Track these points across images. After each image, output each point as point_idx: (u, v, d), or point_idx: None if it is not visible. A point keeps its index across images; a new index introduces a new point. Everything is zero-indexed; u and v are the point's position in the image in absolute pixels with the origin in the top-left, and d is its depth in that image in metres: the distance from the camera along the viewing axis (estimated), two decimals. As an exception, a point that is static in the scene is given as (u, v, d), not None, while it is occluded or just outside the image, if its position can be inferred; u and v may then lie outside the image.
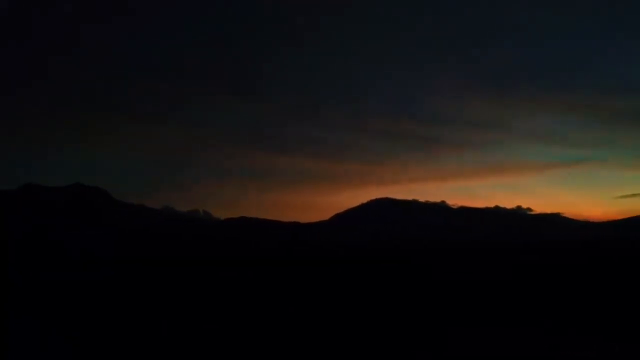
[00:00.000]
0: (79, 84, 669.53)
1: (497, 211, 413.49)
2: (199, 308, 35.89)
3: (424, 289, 43.74)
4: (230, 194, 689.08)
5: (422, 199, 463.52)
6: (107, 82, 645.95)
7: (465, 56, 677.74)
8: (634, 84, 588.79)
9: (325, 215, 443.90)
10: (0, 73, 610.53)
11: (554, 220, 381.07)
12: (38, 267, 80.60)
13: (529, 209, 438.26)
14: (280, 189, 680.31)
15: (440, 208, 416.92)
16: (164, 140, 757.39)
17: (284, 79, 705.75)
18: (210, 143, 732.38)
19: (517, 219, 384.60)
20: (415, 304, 35.26)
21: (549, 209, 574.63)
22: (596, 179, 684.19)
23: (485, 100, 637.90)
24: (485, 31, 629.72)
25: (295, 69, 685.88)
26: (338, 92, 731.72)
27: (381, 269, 72.26)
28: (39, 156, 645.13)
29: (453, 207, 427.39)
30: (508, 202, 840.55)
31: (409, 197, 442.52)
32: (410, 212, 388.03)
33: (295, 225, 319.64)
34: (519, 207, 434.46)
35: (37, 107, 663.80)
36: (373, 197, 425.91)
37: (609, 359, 19.46)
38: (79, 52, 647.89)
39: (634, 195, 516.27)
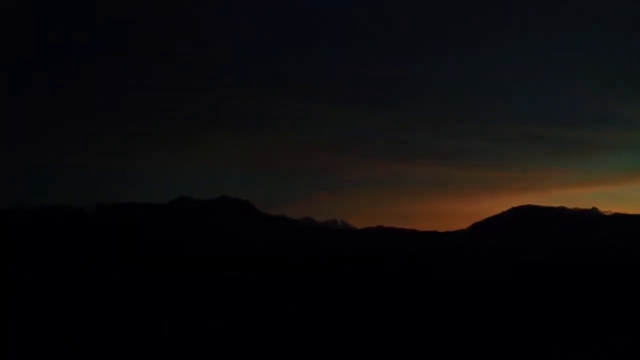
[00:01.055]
0: (224, 102, 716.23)
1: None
2: (333, 314, 35.67)
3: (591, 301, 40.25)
4: (367, 203, 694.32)
5: (569, 205, 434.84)
6: (246, 98, 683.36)
7: (611, 54, 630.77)
8: None
9: (465, 224, 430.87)
10: (152, 91, 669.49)
11: None
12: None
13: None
14: (418, 197, 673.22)
15: (591, 215, 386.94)
16: (302, 151, 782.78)
17: (416, 87, 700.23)
18: (347, 154, 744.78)
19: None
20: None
21: None
22: None
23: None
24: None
25: (426, 77, 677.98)
26: (472, 98, 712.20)
27: (529, 278, 68.21)
28: (190, 171, 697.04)
29: (606, 213, 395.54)
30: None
31: (555, 204, 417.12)
32: (557, 219, 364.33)
33: (433, 235, 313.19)
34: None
35: (188, 127, 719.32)
36: (514, 205, 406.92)
37: None
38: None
39: None
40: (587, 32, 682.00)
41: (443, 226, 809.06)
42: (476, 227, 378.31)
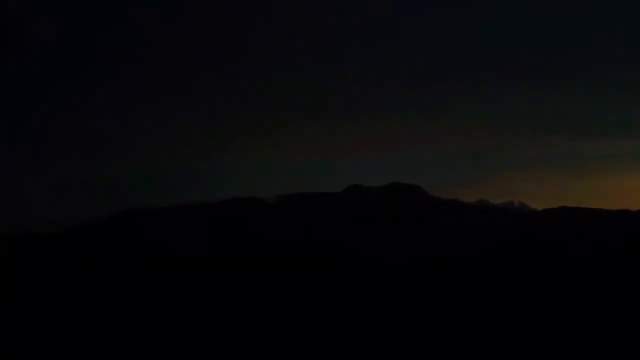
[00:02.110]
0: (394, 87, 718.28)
1: None
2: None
3: None
4: (546, 182, 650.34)
5: None
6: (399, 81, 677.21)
7: None
8: None
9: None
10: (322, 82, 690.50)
11: None
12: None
13: None
14: (605, 174, 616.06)
15: None
16: (476, 131, 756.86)
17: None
18: (522, 132, 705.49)
19: None
20: None
21: None
22: None
23: None
24: None
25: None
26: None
27: None
28: (360, 158, 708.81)
29: None
30: None
31: None
32: None
33: (625, 213, 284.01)
34: None
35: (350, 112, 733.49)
36: None
37: None
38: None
39: None
40: None
41: (637, 204, 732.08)
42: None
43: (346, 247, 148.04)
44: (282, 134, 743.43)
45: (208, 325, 30.01)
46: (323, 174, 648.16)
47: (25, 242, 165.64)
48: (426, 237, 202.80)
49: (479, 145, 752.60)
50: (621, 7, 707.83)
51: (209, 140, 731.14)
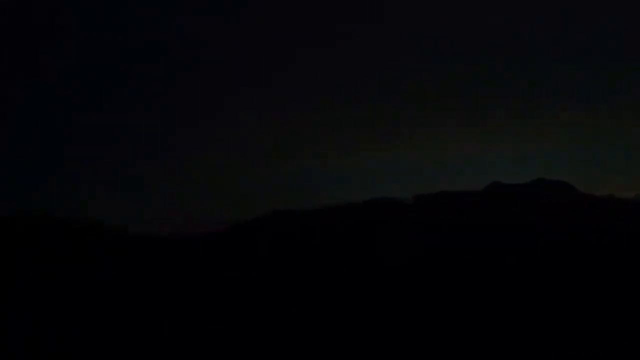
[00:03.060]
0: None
1: None
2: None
3: None
4: None
5: None
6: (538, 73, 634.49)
7: None
8: None
9: None
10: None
11: None
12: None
13: None
14: None
15: None
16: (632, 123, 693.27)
17: None
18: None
19: None
20: None
21: None
22: None
23: None
24: None
25: None
26: None
27: None
28: (501, 156, 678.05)
29: None
30: None
31: None
32: None
33: None
34: None
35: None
36: None
37: None
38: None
39: None
40: None
41: None
42: None
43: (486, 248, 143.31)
44: (417, 132, 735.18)
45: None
46: (463, 172, 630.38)
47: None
48: (574, 237, 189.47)
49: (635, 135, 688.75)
50: None
51: (345, 141, 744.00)
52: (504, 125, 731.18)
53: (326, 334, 27.99)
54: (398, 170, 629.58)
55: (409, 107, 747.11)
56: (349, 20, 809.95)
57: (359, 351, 23.00)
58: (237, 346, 27.93)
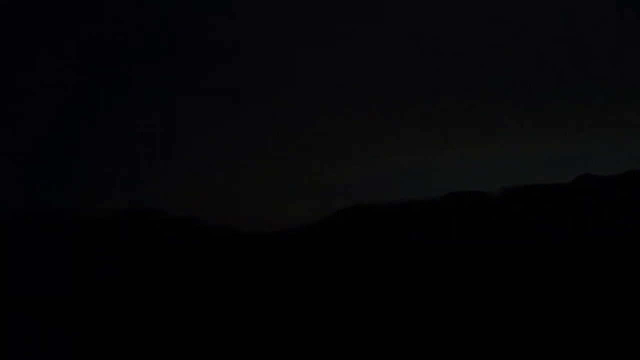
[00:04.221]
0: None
1: None
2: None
3: None
4: None
5: None
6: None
7: None
8: None
9: None
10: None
11: None
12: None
13: None
14: None
15: None
16: None
17: None
18: None
19: None
20: None
21: None
22: None
23: None
24: None
25: None
26: None
27: None
28: (594, 148, 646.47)
29: None
30: None
31: None
32: None
33: None
34: None
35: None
36: None
37: None
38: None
39: None
40: None
41: None
42: None
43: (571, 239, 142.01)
44: (503, 126, 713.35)
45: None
46: (551, 165, 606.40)
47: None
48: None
49: None
50: None
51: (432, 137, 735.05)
52: (593, 117, 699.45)
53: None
54: (485, 165, 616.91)
55: (493, 104, 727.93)
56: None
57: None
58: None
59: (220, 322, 30.11)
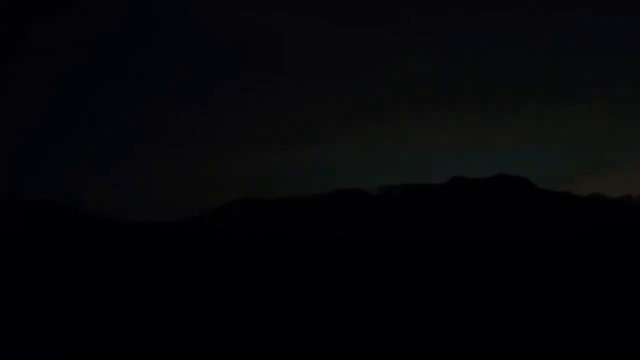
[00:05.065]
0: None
1: None
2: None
3: None
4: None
5: None
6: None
7: None
8: None
9: None
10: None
11: None
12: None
13: None
14: None
15: None
16: (588, 122, 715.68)
17: None
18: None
19: None
20: None
21: None
22: None
23: None
24: None
25: None
26: None
27: None
28: (466, 150, 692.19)
29: None
30: None
31: None
32: None
33: None
34: None
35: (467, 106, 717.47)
36: None
37: None
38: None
39: None
40: None
41: None
42: None
43: (443, 241, 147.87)
44: (387, 127, 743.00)
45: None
46: (426, 165, 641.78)
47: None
48: (534, 231, 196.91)
49: (593, 136, 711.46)
50: None
51: (311, 132, 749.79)
52: (465, 122, 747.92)
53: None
54: (365, 164, 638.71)
55: (377, 103, 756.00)
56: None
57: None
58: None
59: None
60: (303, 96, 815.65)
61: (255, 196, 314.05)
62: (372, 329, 27.03)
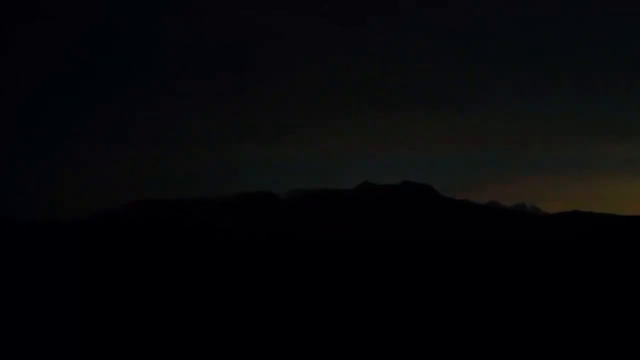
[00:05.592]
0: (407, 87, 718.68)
1: None
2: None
3: None
4: (559, 186, 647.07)
5: None
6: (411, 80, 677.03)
7: None
8: None
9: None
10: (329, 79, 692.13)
11: None
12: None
13: None
14: (619, 180, 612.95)
15: None
16: (487, 133, 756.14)
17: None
18: (536, 134, 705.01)
19: None
20: None
21: None
22: None
23: None
24: None
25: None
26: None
27: None
28: (374, 157, 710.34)
29: None
30: None
31: None
32: None
33: (637, 220, 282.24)
34: None
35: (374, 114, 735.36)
36: None
37: None
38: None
39: None
40: None
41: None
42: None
43: (350, 244, 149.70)
44: (297, 132, 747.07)
45: (208, 326, 27.85)
46: (336, 171, 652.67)
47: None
48: (435, 238, 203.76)
49: (492, 147, 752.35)
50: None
51: (223, 136, 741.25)
52: (375, 129, 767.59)
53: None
54: (277, 167, 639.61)
55: (287, 109, 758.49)
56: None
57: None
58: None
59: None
60: (213, 99, 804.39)
61: (159, 197, 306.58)
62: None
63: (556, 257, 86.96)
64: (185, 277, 54.60)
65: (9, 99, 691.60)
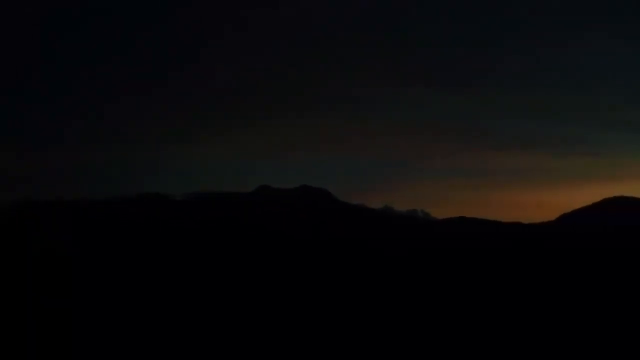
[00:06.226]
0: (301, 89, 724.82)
1: None
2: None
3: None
4: (448, 193, 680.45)
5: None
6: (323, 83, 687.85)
7: None
8: None
9: (550, 215, 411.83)
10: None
11: None
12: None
13: None
14: (502, 187, 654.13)
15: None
16: (384, 140, 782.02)
17: (504, 74, 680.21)
18: (429, 141, 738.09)
19: None
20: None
21: None
22: None
23: None
24: None
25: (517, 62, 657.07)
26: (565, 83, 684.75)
27: (616, 272, 64.45)
28: (273, 160, 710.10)
29: None
30: None
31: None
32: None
33: (517, 226, 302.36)
34: None
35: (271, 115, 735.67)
36: (606, 196, 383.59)
37: None
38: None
39: None
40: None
41: (528, 217, 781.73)
42: (563, 218, 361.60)
43: (252, 250, 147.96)
44: (196, 134, 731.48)
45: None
46: (235, 173, 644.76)
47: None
48: (332, 243, 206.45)
49: (386, 152, 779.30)
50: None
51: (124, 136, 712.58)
52: (272, 132, 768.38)
53: None
54: (174, 169, 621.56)
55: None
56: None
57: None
58: None
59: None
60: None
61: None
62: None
63: (447, 263, 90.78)
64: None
65: None
